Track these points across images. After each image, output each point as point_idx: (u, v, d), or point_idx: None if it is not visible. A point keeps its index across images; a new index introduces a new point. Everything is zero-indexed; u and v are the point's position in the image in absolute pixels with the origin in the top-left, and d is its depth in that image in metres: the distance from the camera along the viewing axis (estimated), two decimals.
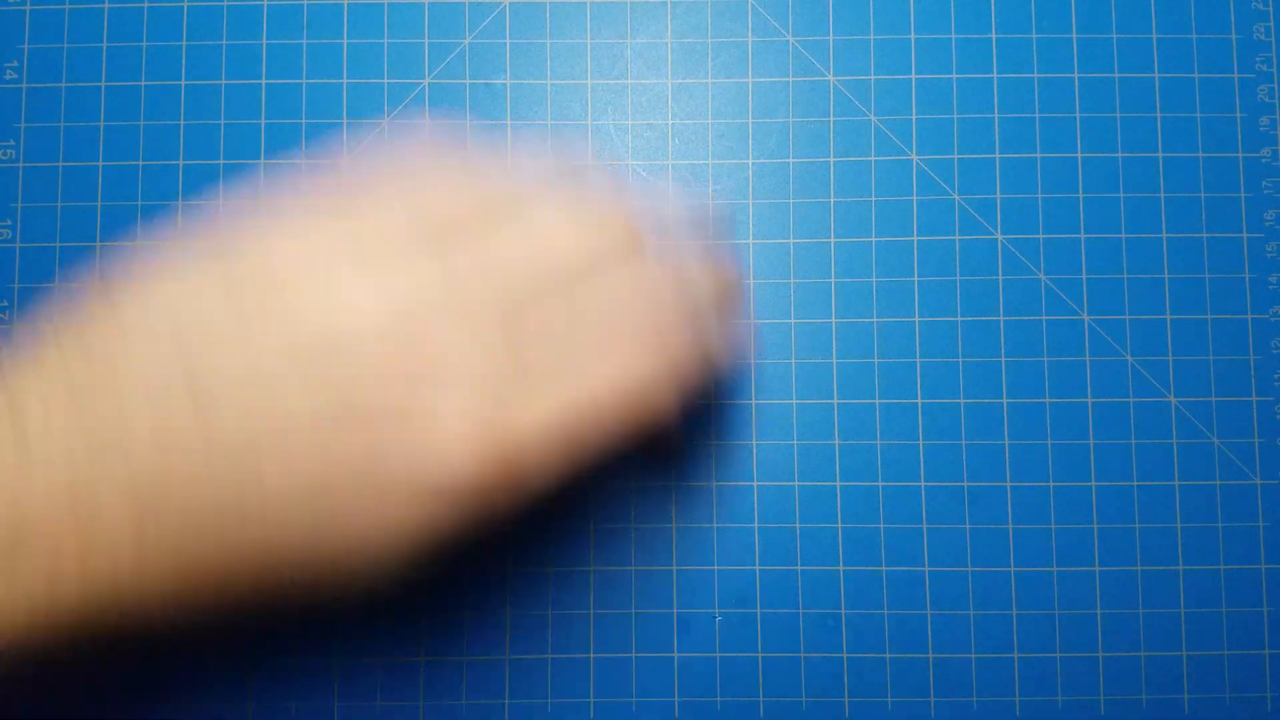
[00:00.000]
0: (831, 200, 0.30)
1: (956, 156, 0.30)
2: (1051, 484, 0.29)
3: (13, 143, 0.30)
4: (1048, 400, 0.29)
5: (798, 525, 0.29)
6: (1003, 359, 0.29)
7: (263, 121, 0.30)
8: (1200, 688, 0.29)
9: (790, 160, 0.30)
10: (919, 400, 0.29)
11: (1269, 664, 0.29)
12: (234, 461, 0.17)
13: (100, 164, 0.30)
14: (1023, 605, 0.29)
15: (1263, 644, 0.29)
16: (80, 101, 0.30)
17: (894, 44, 0.30)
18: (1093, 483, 0.29)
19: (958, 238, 0.30)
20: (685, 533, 0.29)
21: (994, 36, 0.30)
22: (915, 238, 0.30)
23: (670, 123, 0.30)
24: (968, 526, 0.29)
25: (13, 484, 0.16)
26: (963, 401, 0.29)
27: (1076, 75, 0.30)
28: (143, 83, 0.30)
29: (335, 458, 0.17)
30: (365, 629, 0.29)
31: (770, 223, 0.30)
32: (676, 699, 0.28)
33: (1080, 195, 0.30)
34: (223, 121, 0.30)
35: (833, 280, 0.30)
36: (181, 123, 0.30)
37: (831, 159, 0.30)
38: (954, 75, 0.30)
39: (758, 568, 0.29)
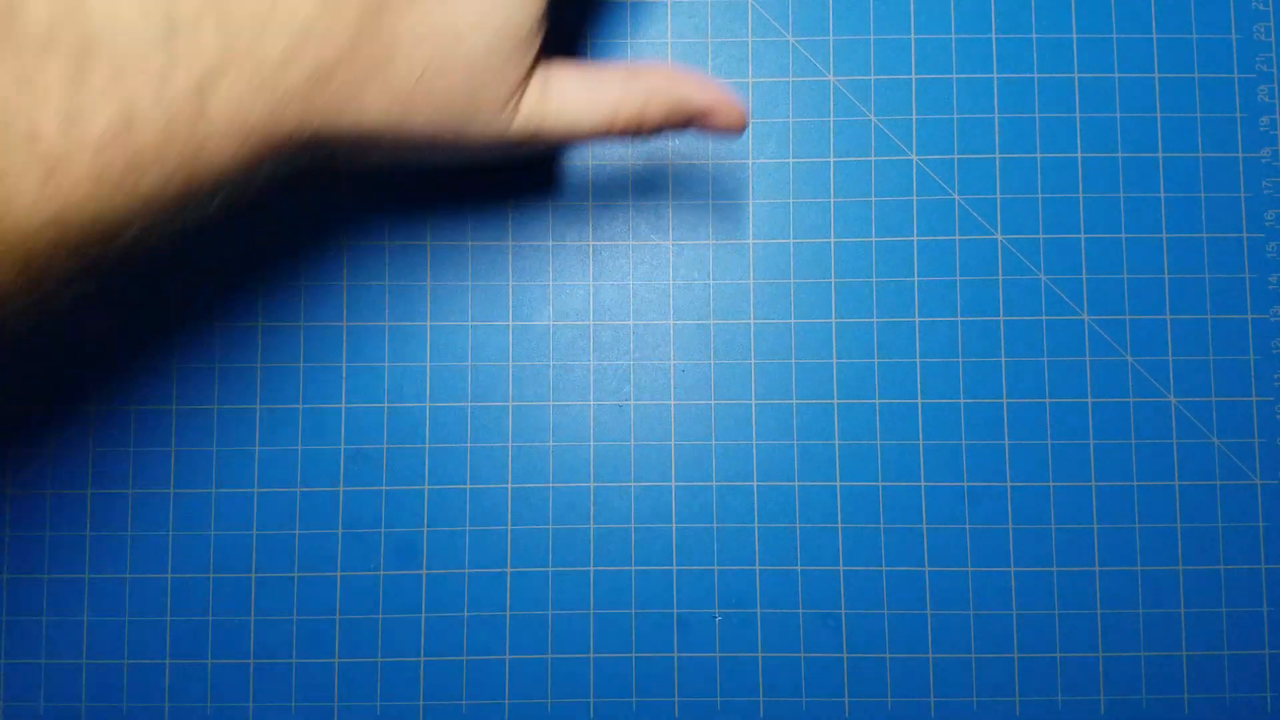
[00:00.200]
0: (831, 200, 0.30)
1: (956, 156, 0.30)
2: (1051, 484, 0.29)
3: None
4: (1048, 400, 0.29)
5: (798, 525, 0.29)
6: (1003, 359, 0.29)
7: None
8: (1200, 688, 0.29)
9: (790, 160, 0.30)
10: (919, 400, 0.29)
11: (1269, 664, 0.29)
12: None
13: None
14: (1023, 605, 0.29)
15: (1263, 644, 0.29)
16: None
17: (894, 44, 0.30)
18: (1093, 483, 0.29)
19: (958, 238, 0.30)
20: (685, 533, 0.29)
21: (994, 36, 0.30)
22: (915, 238, 0.30)
23: None
24: (968, 526, 0.29)
25: None
26: (963, 401, 0.29)
27: (1076, 75, 0.30)
28: None
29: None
30: (365, 628, 0.29)
31: (770, 222, 0.30)
32: (676, 699, 0.28)
33: (1080, 195, 0.30)
34: None
35: (833, 280, 0.30)
36: None
37: (831, 159, 0.30)
38: (954, 75, 0.30)
39: (758, 568, 0.29)
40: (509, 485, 0.29)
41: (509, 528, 0.29)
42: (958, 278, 0.30)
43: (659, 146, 0.30)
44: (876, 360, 0.29)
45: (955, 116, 0.30)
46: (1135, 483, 0.29)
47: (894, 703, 0.29)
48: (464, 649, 0.29)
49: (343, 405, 0.29)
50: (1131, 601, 0.29)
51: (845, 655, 0.29)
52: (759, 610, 0.29)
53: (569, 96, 0.22)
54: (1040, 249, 0.30)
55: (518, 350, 0.30)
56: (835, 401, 0.29)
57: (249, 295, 0.29)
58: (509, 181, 0.30)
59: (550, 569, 0.29)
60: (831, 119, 0.30)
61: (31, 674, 0.28)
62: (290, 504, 0.29)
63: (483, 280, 0.30)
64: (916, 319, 0.30)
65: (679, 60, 0.30)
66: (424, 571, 0.29)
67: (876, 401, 0.29)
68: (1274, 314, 0.30)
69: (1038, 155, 0.30)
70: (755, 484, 0.29)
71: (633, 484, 0.29)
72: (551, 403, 0.29)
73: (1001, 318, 0.30)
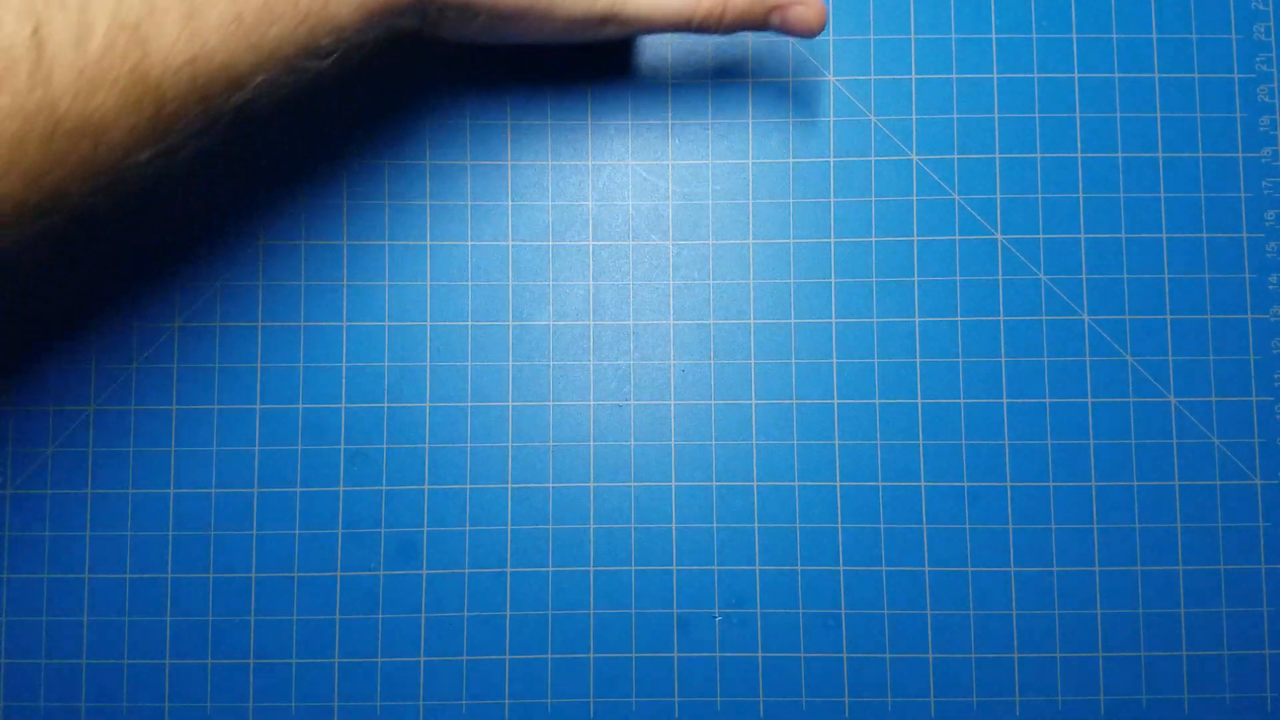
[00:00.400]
0: (831, 200, 0.30)
1: (956, 156, 0.30)
2: (1051, 484, 0.29)
3: None
4: (1048, 400, 0.29)
5: (798, 525, 0.29)
6: (1003, 359, 0.29)
7: None
8: (1200, 688, 0.29)
9: (790, 161, 0.30)
10: (919, 400, 0.29)
11: (1269, 664, 0.29)
12: None
13: None
14: (1023, 605, 0.29)
15: (1263, 644, 0.29)
16: None
17: (894, 44, 0.30)
18: (1093, 483, 0.29)
19: (958, 238, 0.30)
20: (685, 533, 0.29)
21: (994, 37, 0.30)
22: (915, 238, 0.30)
23: (670, 122, 0.30)
24: (968, 526, 0.29)
25: None
26: (963, 401, 0.29)
27: (1076, 75, 0.30)
28: None
29: None
30: (365, 628, 0.29)
31: (770, 223, 0.30)
32: (676, 699, 0.28)
33: (1080, 195, 0.30)
34: None
35: (833, 280, 0.30)
36: None
37: (831, 159, 0.30)
38: (954, 75, 0.30)
39: (758, 568, 0.29)
40: (509, 485, 0.29)
41: (509, 528, 0.29)
42: (958, 278, 0.30)
43: (659, 147, 0.30)
44: (876, 360, 0.29)
45: (955, 116, 0.30)
46: (1135, 483, 0.29)
47: (894, 703, 0.29)
48: (464, 649, 0.29)
49: (343, 405, 0.29)
50: (1131, 601, 0.29)
51: (845, 655, 0.29)
52: (759, 610, 0.29)
53: None
54: (1040, 249, 0.30)
55: (518, 350, 0.30)
56: (835, 401, 0.29)
57: (249, 295, 0.29)
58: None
59: (550, 569, 0.29)
60: (831, 119, 0.30)
61: (31, 674, 0.28)
62: (290, 504, 0.29)
63: (483, 279, 0.30)
64: (916, 319, 0.30)
65: (678, 61, 0.30)
66: (424, 571, 0.29)
67: (876, 401, 0.29)
68: (1274, 314, 0.30)
69: (1038, 155, 0.30)
70: (755, 484, 0.29)
71: (633, 484, 0.29)
72: (551, 403, 0.29)
73: (1001, 318, 0.30)
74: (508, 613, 0.29)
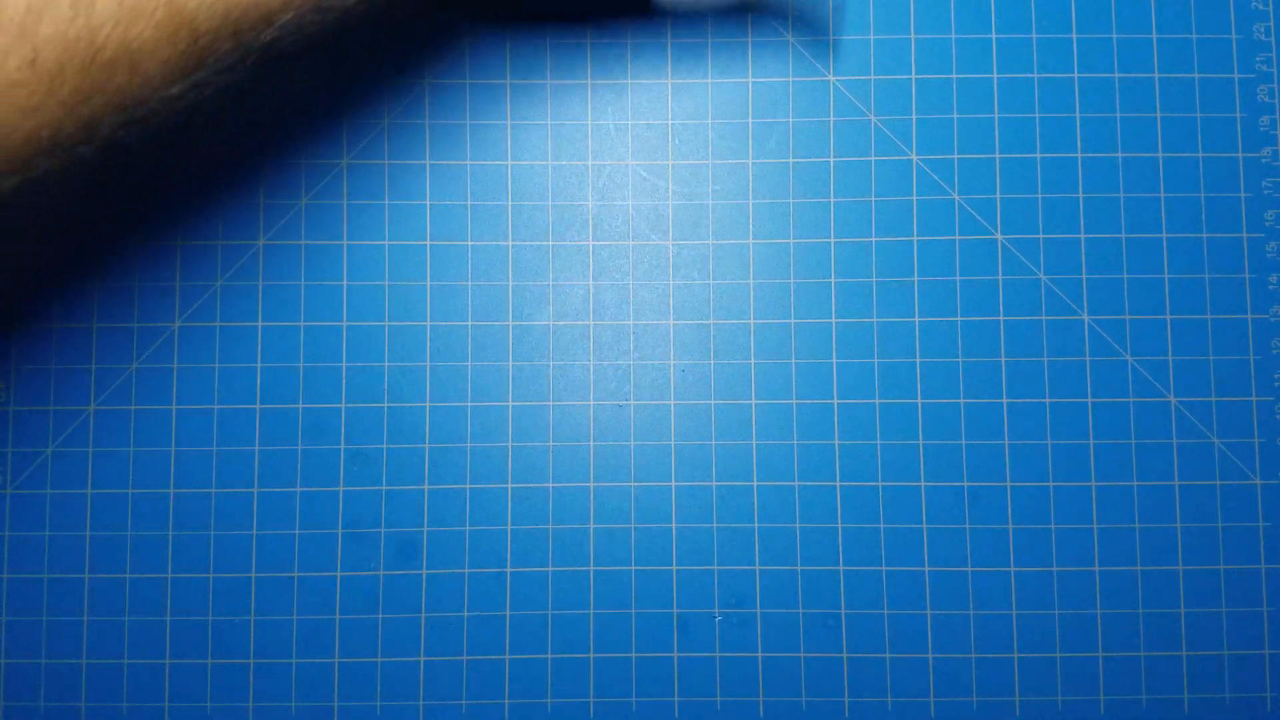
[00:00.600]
0: (831, 200, 0.30)
1: (956, 156, 0.30)
2: (1051, 484, 0.29)
3: None
4: (1048, 400, 0.29)
5: (798, 525, 0.29)
6: (1003, 359, 0.29)
7: None
8: (1200, 688, 0.29)
9: (790, 160, 0.30)
10: (919, 400, 0.29)
11: (1269, 664, 0.29)
12: None
13: None
14: (1023, 605, 0.29)
15: (1263, 644, 0.29)
16: None
17: (894, 44, 0.30)
18: (1093, 483, 0.29)
19: (958, 238, 0.30)
20: (685, 533, 0.29)
21: (994, 37, 0.30)
22: (915, 238, 0.30)
23: (670, 122, 0.30)
24: (968, 526, 0.29)
25: None
26: (963, 401, 0.29)
27: (1076, 75, 0.30)
28: None
29: None
30: (365, 628, 0.29)
31: (770, 223, 0.30)
32: (676, 699, 0.28)
33: (1080, 195, 0.30)
34: None
35: (833, 280, 0.30)
36: None
37: (831, 159, 0.30)
38: (954, 75, 0.30)
39: (758, 568, 0.29)
40: (509, 485, 0.29)
41: (509, 528, 0.29)
42: (958, 278, 0.30)
43: (659, 146, 0.30)
44: (876, 360, 0.29)
45: (955, 116, 0.30)
46: (1135, 483, 0.29)
47: (894, 703, 0.29)
48: (464, 649, 0.29)
49: (343, 405, 0.29)
50: (1131, 601, 0.29)
51: (845, 655, 0.29)
52: (759, 610, 0.29)
53: None
54: (1040, 249, 0.30)
55: (518, 350, 0.30)
56: (835, 401, 0.29)
57: (249, 295, 0.29)
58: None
59: (550, 569, 0.29)
60: (831, 119, 0.30)
61: (31, 674, 0.28)
62: (290, 504, 0.29)
63: (483, 280, 0.30)
64: (916, 319, 0.30)
65: (677, 62, 0.30)
66: (424, 571, 0.29)
67: (876, 401, 0.29)
68: (1274, 314, 0.30)
69: (1038, 155, 0.30)
70: (755, 484, 0.29)
71: (633, 484, 0.29)
72: (551, 403, 0.29)
73: (1001, 318, 0.30)
74: (508, 613, 0.29)
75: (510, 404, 0.29)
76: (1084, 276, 0.30)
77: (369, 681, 0.28)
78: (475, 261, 0.30)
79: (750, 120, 0.30)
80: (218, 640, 0.28)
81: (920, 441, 0.29)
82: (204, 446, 0.29)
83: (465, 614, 0.29)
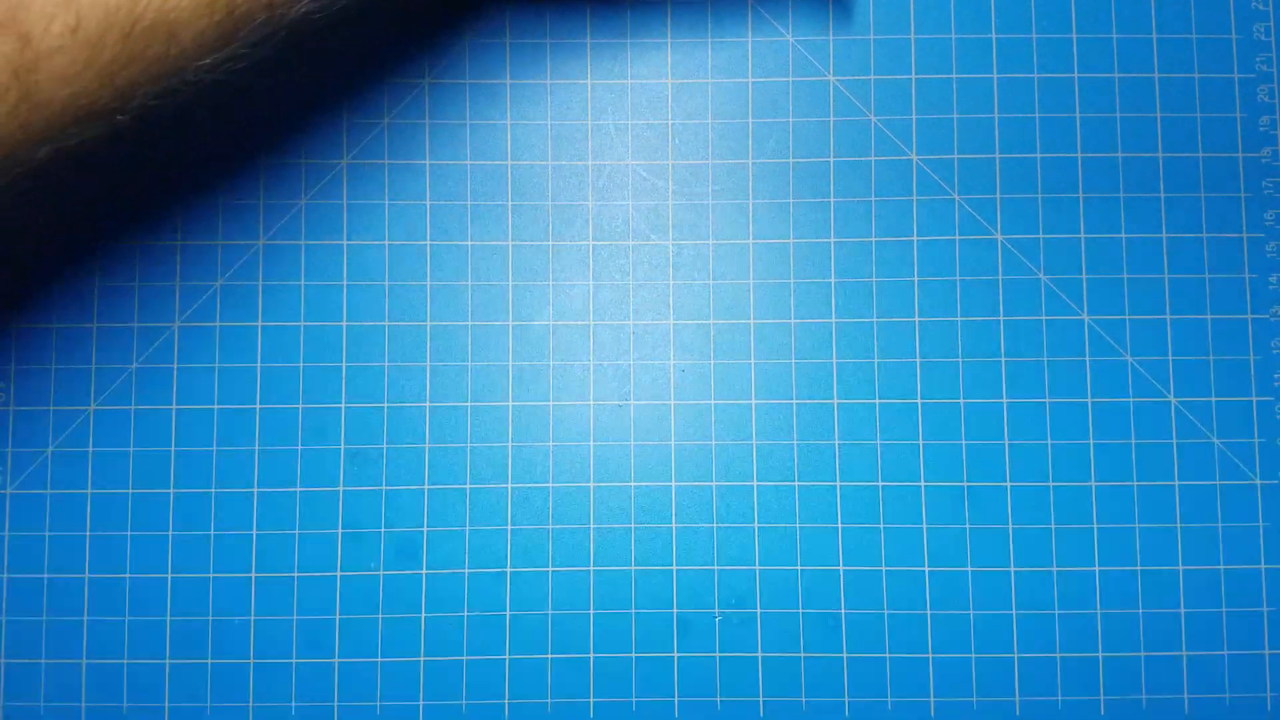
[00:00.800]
0: (831, 200, 0.30)
1: (956, 156, 0.30)
2: (1051, 484, 0.29)
3: None
4: (1048, 400, 0.29)
5: (798, 525, 0.29)
6: (1003, 359, 0.29)
7: None
8: (1200, 688, 0.29)
9: (790, 160, 0.30)
10: (919, 400, 0.29)
11: (1269, 664, 0.29)
12: None
13: None
14: (1023, 605, 0.29)
15: (1263, 644, 0.29)
16: None
17: (894, 44, 0.30)
18: (1093, 483, 0.29)
19: (958, 238, 0.30)
20: (685, 533, 0.29)
21: (994, 37, 0.30)
22: (915, 238, 0.30)
23: (670, 122, 0.30)
24: (968, 526, 0.29)
25: None
26: (963, 401, 0.29)
27: (1076, 75, 0.30)
28: None
29: None
30: (365, 628, 0.29)
31: (770, 223, 0.30)
32: (676, 699, 0.28)
33: (1080, 195, 0.30)
34: None
35: (833, 280, 0.30)
36: None
37: (831, 159, 0.30)
38: (954, 75, 0.30)
39: (758, 568, 0.29)
40: (509, 485, 0.29)
41: (509, 528, 0.29)
42: (958, 278, 0.30)
43: (659, 146, 0.30)
44: (876, 360, 0.29)
45: (955, 116, 0.30)
46: (1135, 483, 0.29)
47: (894, 703, 0.29)
48: (464, 649, 0.29)
49: (343, 405, 0.29)
50: (1131, 601, 0.29)
51: (845, 655, 0.29)
52: (759, 610, 0.29)
53: None
54: (1040, 249, 0.30)
55: (518, 350, 0.30)
56: (835, 401, 0.29)
57: (249, 295, 0.29)
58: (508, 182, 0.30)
59: (550, 569, 0.29)
60: (831, 119, 0.30)
61: (31, 674, 0.28)
62: (290, 504, 0.29)
63: (483, 280, 0.30)
64: (916, 319, 0.30)
65: (677, 62, 0.30)
66: (424, 571, 0.29)
67: (876, 401, 0.29)
68: (1274, 314, 0.30)
69: (1038, 155, 0.30)
70: (755, 484, 0.29)
71: (633, 484, 0.29)
72: (551, 403, 0.29)
73: (1001, 318, 0.30)
74: (508, 613, 0.29)
75: (510, 404, 0.29)
76: (1084, 276, 0.30)
77: (369, 681, 0.28)
78: (475, 261, 0.30)
79: (750, 120, 0.30)
80: (218, 640, 0.28)
81: (920, 441, 0.29)
82: (204, 446, 0.29)
83: (465, 614, 0.29)
